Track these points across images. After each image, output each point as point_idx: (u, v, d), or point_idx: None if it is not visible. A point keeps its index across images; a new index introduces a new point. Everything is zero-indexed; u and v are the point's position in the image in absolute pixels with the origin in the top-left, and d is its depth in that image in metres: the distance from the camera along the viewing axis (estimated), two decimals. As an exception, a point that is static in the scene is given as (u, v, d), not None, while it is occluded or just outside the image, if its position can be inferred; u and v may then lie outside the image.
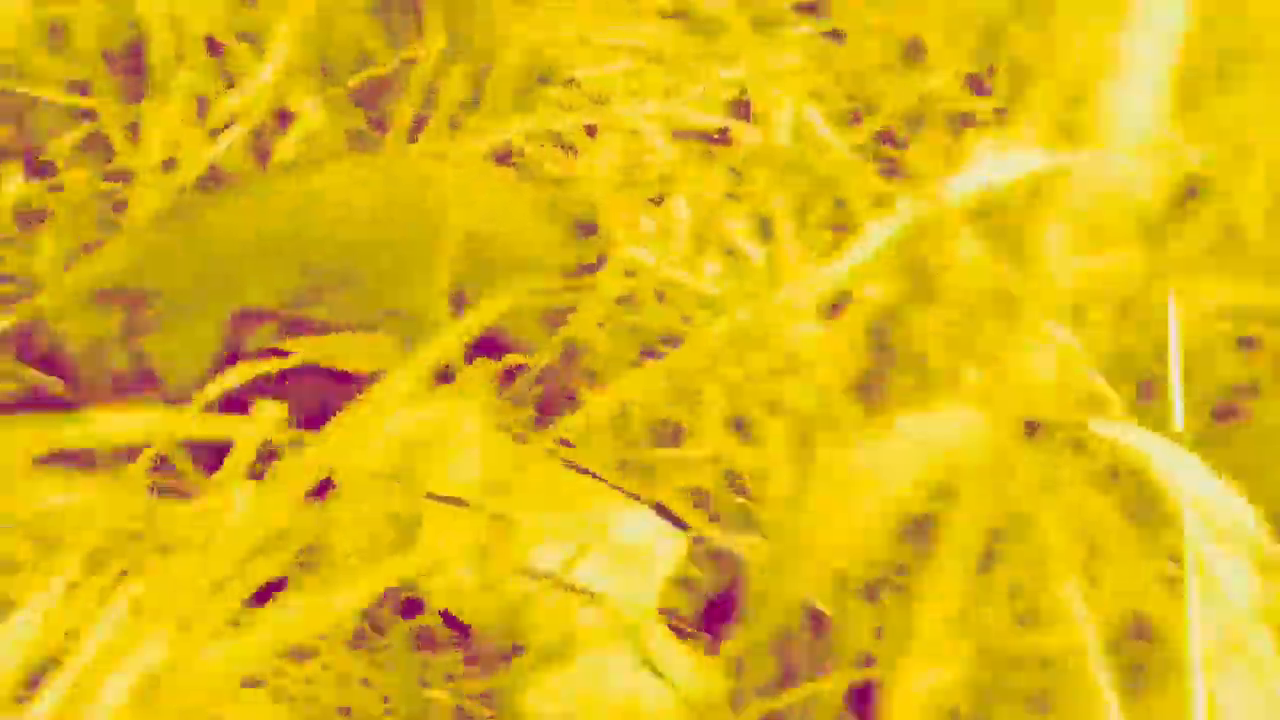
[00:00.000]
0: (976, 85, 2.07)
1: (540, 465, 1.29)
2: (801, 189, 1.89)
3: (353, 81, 1.94)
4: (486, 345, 1.71)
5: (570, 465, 1.32)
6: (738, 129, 2.07)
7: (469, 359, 1.75)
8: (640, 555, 1.17)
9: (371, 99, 1.97)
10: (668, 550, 1.19)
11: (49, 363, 1.46)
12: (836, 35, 2.21)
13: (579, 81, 2.16)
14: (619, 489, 1.25)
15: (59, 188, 1.76)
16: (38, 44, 1.70)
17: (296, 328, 1.62)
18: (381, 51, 1.94)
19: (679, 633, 1.15)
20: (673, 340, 1.73)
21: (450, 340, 1.68)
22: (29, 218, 1.74)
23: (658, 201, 1.99)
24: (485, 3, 1.99)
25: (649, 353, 1.72)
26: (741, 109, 2.10)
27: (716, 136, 2.08)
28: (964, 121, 1.99)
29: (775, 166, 1.94)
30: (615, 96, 2.15)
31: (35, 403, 1.45)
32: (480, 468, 1.26)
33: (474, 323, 1.64)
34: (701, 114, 2.09)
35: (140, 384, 1.50)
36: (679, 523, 1.23)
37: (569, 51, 2.19)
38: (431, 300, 1.68)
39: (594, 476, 1.27)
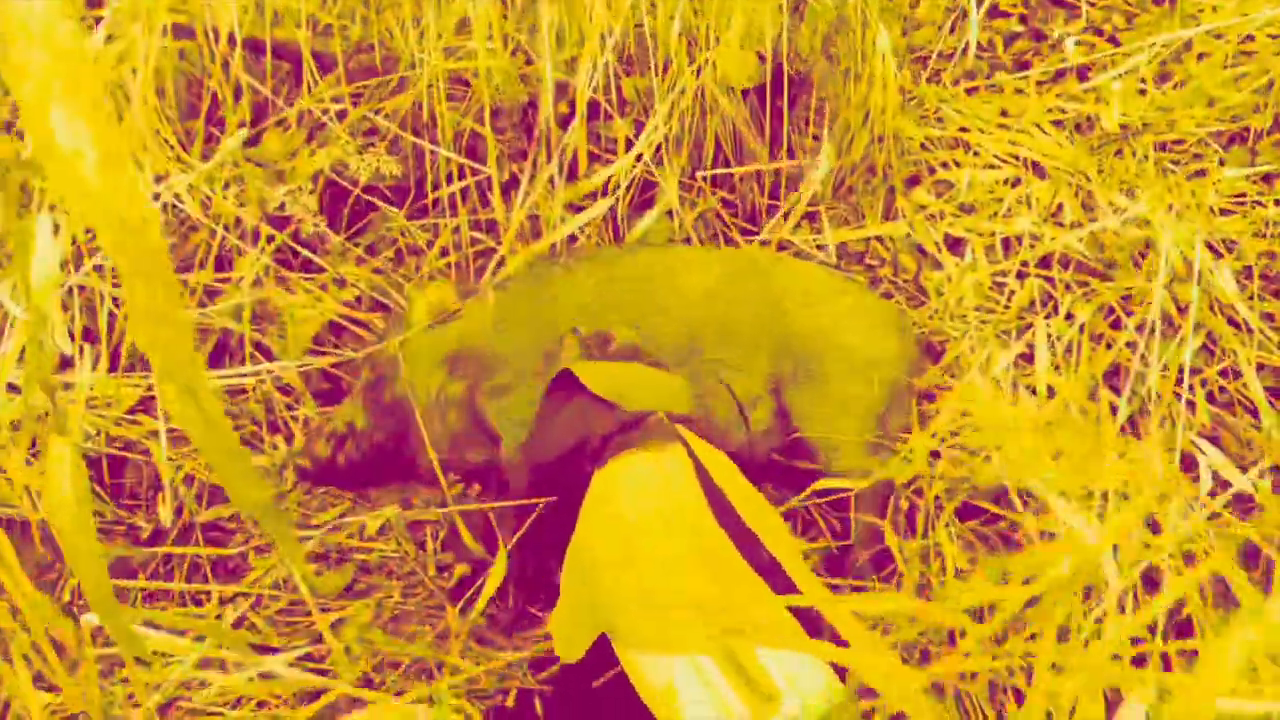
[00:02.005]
0: None
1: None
2: (1183, 351, 1.66)
3: (719, 170, 1.93)
4: (795, 448, 1.63)
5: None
6: (1123, 266, 1.86)
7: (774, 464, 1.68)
8: (769, 685, 1.07)
9: (732, 184, 1.96)
10: (809, 690, 1.07)
11: (390, 410, 1.55)
12: (1268, 180, 1.93)
13: (952, 187, 2.03)
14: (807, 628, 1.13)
15: (433, 229, 1.88)
16: (440, 95, 1.82)
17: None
18: (752, 140, 1.91)
19: None
20: (994, 494, 1.57)
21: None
22: (402, 255, 1.87)
23: (1015, 333, 1.83)
24: (870, 99, 1.92)
25: (970, 509, 1.57)
26: (1133, 244, 1.89)
27: (1098, 269, 1.88)
28: None
29: (1157, 316, 1.72)
30: (988, 208, 2.00)
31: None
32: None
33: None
34: (1084, 241, 1.90)
35: (475, 443, 1.56)
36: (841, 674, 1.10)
37: (946, 154, 2.07)
38: (752, 386, 1.63)
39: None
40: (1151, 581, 1.53)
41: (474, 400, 1.57)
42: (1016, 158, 2.07)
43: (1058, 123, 2.14)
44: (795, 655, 1.08)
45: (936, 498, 1.57)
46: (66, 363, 1.65)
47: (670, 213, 1.86)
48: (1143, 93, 2.17)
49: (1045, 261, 1.90)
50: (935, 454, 1.61)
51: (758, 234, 1.94)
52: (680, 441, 1.26)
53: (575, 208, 1.86)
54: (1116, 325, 1.79)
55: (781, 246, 1.95)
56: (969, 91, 2.22)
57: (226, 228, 1.76)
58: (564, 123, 1.87)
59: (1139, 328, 1.73)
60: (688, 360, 1.62)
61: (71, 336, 1.66)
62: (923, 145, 2.08)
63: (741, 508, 1.22)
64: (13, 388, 1.47)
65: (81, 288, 1.68)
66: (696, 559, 1.16)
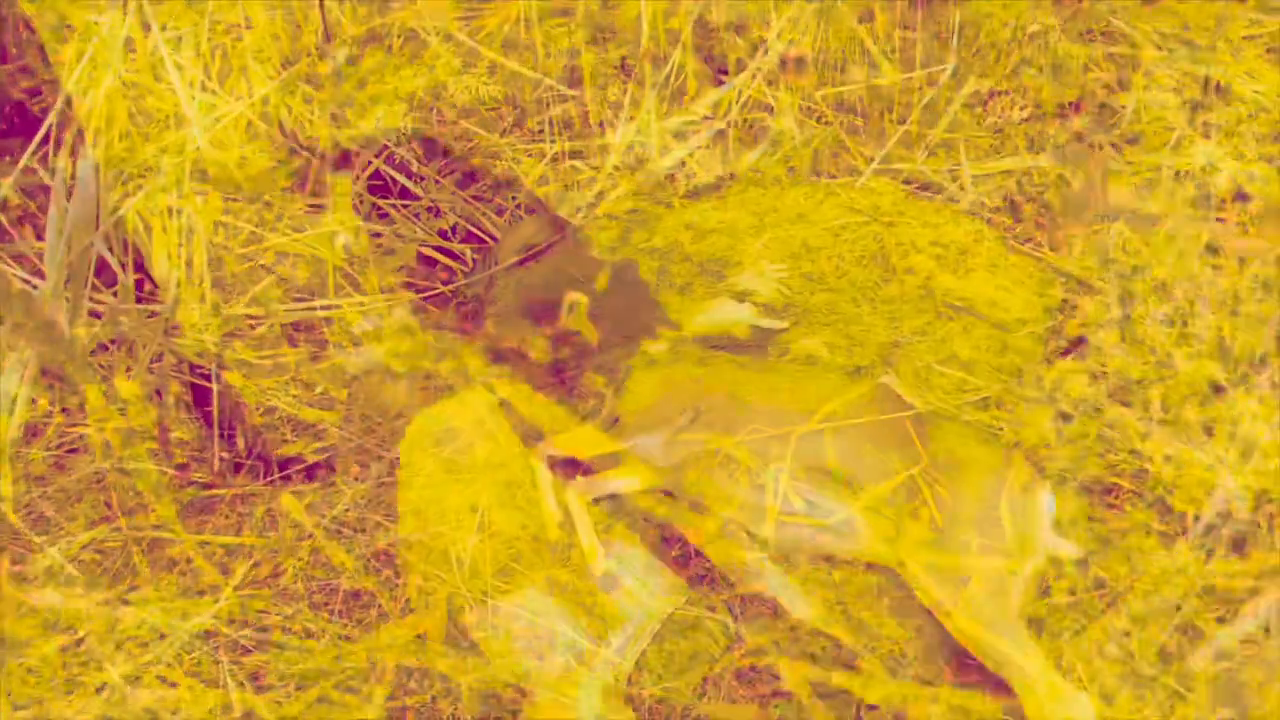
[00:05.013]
0: None
1: None
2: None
3: (840, 88, 1.75)
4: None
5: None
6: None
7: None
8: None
9: (859, 109, 1.77)
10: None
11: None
12: None
13: (1131, 111, 1.78)
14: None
15: (535, 156, 1.79)
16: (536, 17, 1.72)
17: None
18: (883, 60, 1.72)
19: None
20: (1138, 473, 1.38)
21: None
22: (499, 183, 1.79)
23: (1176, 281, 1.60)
24: (1018, 11, 1.69)
25: (1108, 491, 1.38)
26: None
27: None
28: None
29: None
30: (1158, 138, 1.74)
31: None
32: None
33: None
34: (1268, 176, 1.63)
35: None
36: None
37: (1112, 74, 1.82)
38: (861, 355, 1.49)
39: None
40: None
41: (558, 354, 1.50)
42: (1198, 79, 1.80)
43: (1251, 37, 1.85)
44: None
45: (1061, 471, 1.40)
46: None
47: (781, 137, 1.71)
48: (1361, 1, 1.85)
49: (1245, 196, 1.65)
50: (1065, 417, 1.43)
51: (884, 164, 1.76)
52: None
53: (683, 134, 1.73)
54: (1301, 277, 1.54)
55: (917, 183, 1.77)
56: (1145, 2, 1.94)
57: (323, 154, 1.72)
58: (673, 40, 1.73)
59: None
60: (777, 332, 1.50)
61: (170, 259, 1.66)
62: (1085, 66, 1.83)
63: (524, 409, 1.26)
64: (94, 314, 1.48)
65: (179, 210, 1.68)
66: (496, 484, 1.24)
